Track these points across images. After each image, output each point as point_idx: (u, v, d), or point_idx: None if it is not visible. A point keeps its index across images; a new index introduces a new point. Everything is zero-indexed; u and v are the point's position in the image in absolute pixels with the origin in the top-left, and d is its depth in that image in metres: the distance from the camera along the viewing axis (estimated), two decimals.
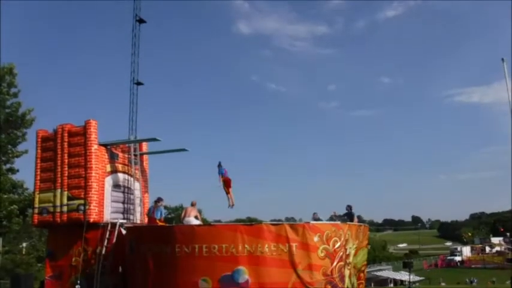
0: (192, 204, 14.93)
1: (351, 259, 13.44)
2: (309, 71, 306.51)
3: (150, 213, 15.36)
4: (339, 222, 13.69)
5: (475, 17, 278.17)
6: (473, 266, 73.93)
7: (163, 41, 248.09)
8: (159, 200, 15.39)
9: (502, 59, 21.42)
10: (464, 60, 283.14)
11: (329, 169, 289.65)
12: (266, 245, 11.92)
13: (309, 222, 12.72)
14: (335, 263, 12.60)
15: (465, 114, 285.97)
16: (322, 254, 12.36)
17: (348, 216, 16.05)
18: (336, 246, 12.66)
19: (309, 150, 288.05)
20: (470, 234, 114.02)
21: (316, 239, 12.31)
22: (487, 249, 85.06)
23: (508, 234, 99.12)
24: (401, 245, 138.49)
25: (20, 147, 23.35)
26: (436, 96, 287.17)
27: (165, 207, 53.09)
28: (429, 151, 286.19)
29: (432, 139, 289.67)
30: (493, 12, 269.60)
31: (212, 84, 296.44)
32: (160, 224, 14.89)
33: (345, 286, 13.12)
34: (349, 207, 16.25)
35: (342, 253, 12.85)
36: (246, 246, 11.85)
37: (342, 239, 12.86)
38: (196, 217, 14.55)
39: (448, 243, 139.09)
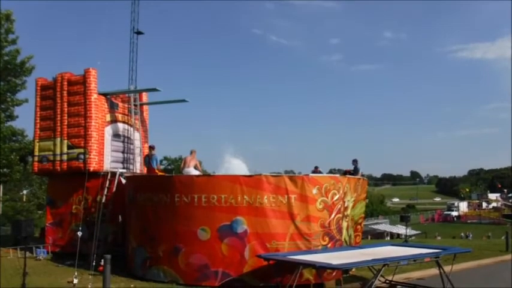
0: (191, 153, 14.77)
1: (349, 211, 13.55)
2: (311, 24, 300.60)
3: (147, 163, 15.41)
4: (338, 175, 13.71)
5: None
6: (469, 221, 74.96)
7: None
8: (152, 147, 15.43)
9: None
10: (468, 16, 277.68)
11: (329, 123, 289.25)
12: (265, 196, 11.97)
13: (308, 175, 12.73)
14: (333, 215, 12.69)
15: (467, 70, 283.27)
16: (321, 206, 12.43)
17: (354, 170, 16.10)
18: (335, 198, 12.72)
19: (309, 103, 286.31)
20: (467, 190, 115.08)
21: (314, 191, 12.34)
22: (484, 204, 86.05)
23: (505, 190, 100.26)
24: (394, 200, 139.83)
25: (20, 96, 23.18)
26: (438, 52, 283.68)
27: (165, 158, 53.31)
28: (430, 106, 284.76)
29: (433, 95, 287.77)
30: None
31: (214, 36, 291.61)
32: (158, 172, 14.93)
33: (343, 238, 13.28)
34: (355, 162, 16.26)
35: (340, 206, 12.93)
36: (245, 197, 11.90)
37: (341, 191, 12.91)
38: (195, 167, 14.51)
39: (437, 199, 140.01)
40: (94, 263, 13.44)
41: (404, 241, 23.09)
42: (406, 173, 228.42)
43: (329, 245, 12.59)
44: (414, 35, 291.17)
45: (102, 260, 12.20)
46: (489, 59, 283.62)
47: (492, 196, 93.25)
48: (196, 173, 14.10)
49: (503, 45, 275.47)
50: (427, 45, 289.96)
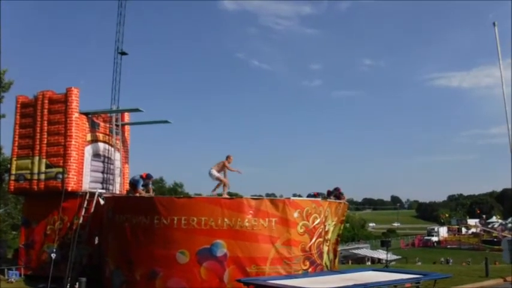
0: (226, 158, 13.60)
1: (329, 236, 13.48)
2: (293, 49, 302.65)
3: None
4: (319, 199, 13.67)
5: (458, 3, 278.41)
6: (449, 246, 75.33)
7: (149, 14, 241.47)
8: (145, 176, 14.87)
9: (494, 23, 20.99)
10: (445, 45, 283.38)
11: (310, 147, 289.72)
12: (246, 219, 11.86)
13: (289, 198, 12.66)
14: (314, 240, 12.62)
15: (445, 98, 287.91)
16: (302, 230, 12.36)
17: (336, 196, 15.98)
18: (316, 222, 12.66)
19: (291, 127, 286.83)
20: (447, 215, 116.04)
21: (296, 215, 12.28)
22: (463, 230, 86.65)
23: (484, 216, 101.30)
24: (371, 224, 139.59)
25: None
26: (416, 79, 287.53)
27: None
28: (409, 132, 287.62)
29: (412, 120, 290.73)
30: (477, 2, 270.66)
31: (197, 58, 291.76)
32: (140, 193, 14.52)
33: (323, 262, 13.18)
34: (336, 190, 16.07)
35: (321, 230, 12.86)
36: (226, 219, 11.78)
37: (322, 215, 12.86)
38: (223, 168, 13.33)
39: (396, 224, 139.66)
40: (68, 286, 13.06)
41: (385, 266, 22.99)
42: (387, 198, 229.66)
43: (310, 269, 12.50)
44: (393, 63, 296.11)
45: (77, 283, 11.92)
46: (465, 87, 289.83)
47: (471, 222, 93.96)
48: (216, 175, 13.25)
49: (478, 75, 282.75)
50: (406, 73, 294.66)
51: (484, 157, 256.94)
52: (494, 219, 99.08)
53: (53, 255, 13.39)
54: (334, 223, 13.78)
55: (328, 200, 14.26)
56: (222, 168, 13.36)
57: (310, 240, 12.55)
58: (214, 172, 13.28)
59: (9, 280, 15.40)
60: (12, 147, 16.78)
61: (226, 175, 13.56)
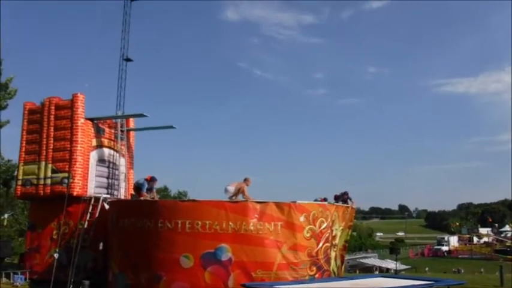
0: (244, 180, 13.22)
1: (337, 241, 13.26)
2: (295, 59, 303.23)
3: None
4: (326, 203, 13.47)
5: (463, 9, 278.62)
6: (460, 256, 74.25)
7: (153, 23, 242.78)
8: (150, 179, 14.70)
9: None
10: (451, 51, 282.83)
11: (315, 156, 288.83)
12: (251, 223, 11.69)
13: (295, 202, 12.45)
14: (321, 244, 12.40)
15: (451, 104, 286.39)
16: (308, 235, 12.15)
17: (343, 201, 15.79)
18: (323, 227, 12.46)
19: (296, 136, 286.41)
20: (457, 224, 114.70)
21: (302, 218, 12.09)
22: (475, 239, 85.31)
23: (496, 225, 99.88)
24: (378, 234, 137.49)
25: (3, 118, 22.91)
26: (422, 86, 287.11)
27: None
28: (416, 140, 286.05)
29: (418, 128, 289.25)
30: (481, 5, 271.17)
31: (199, 68, 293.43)
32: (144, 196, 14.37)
33: (331, 268, 12.94)
34: (345, 194, 15.86)
35: (328, 234, 12.65)
36: (231, 223, 11.62)
37: (329, 219, 12.66)
38: (239, 190, 12.80)
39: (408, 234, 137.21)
40: None
41: (395, 273, 22.67)
42: (395, 207, 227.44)
43: (317, 275, 12.27)
44: (398, 70, 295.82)
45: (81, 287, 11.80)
46: (472, 93, 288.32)
47: (483, 230, 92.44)
48: (231, 189, 12.81)
49: (485, 80, 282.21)
50: (411, 80, 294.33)
51: (494, 164, 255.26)
52: (507, 228, 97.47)
53: (56, 255, 13.32)
54: (341, 228, 13.56)
55: (336, 204, 14.05)
56: (239, 192, 12.87)
57: (317, 245, 12.34)
58: (231, 189, 12.98)
59: (15, 284, 15.37)
60: (19, 152, 16.85)
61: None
